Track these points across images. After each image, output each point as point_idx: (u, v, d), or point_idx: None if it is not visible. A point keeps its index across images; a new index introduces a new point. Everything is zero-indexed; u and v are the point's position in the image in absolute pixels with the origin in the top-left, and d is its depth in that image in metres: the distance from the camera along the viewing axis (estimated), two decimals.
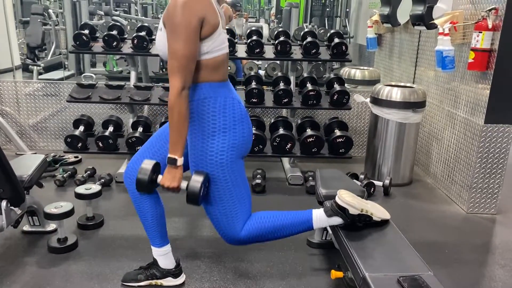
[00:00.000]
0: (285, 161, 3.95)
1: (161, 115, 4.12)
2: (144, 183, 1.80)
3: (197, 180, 1.79)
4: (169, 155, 1.79)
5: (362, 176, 3.48)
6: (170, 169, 1.81)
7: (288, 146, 3.42)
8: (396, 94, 3.48)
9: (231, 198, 1.93)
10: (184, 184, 1.82)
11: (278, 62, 5.70)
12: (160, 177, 1.84)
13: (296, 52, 3.69)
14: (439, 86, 3.66)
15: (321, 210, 2.04)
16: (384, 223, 2.09)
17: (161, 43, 1.81)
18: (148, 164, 1.82)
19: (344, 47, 3.61)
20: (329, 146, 3.51)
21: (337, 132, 3.51)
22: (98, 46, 3.66)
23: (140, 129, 3.53)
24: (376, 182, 3.50)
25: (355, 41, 7.67)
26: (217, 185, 1.90)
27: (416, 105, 3.49)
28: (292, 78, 3.82)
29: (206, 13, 1.72)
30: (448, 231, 2.94)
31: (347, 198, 1.97)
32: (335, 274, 2.04)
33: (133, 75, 3.88)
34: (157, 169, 1.85)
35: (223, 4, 5.54)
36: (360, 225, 2.02)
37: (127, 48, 3.66)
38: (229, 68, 4.73)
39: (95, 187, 2.78)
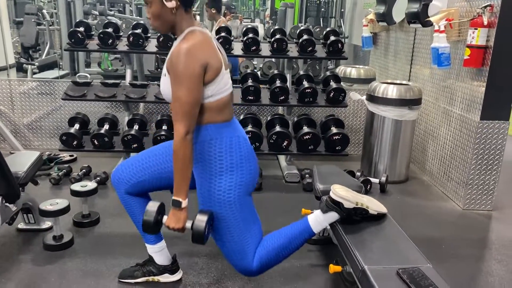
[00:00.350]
0: (282, 158, 3.95)
1: (157, 113, 4.09)
2: (150, 225, 1.82)
3: (201, 220, 1.80)
4: (173, 198, 1.80)
5: (358, 174, 3.48)
6: (174, 211, 1.81)
7: (285, 143, 3.42)
8: (392, 92, 3.49)
9: (242, 234, 1.93)
10: (189, 224, 1.83)
11: (274, 60, 5.71)
12: (165, 217, 1.85)
13: (292, 50, 3.69)
14: (435, 83, 3.67)
15: (316, 213, 2.05)
16: (381, 217, 2.09)
17: (165, 88, 1.81)
18: (153, 207, 1.83)
19: (340, 45, 3.63)
20: (326, 143, 3.51)
21: (334, 130, 3.51)
22: (93, 43, 3.65)
23: (136, 127, 3.51)
24: (373, 179, 3.50)
25: (349, 41, 7.67)
26: (226, 223, 1.90)
27: (412, 102, 3.50)
28: (288, 76, 3.82)
29: (209, 59, 1.72)
30: (444, 227, 2.95)
31: (341, 192, 1.96)
32: (334, 268, 2.04)
33: (128, 73, 3.87)
34: (162, 211, 1.86)
35: (220, 19, 5.52)
36: (357, 218, 2.02)
37: (122, 45, 3.65)
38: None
39: (91, 185, 2.76)
